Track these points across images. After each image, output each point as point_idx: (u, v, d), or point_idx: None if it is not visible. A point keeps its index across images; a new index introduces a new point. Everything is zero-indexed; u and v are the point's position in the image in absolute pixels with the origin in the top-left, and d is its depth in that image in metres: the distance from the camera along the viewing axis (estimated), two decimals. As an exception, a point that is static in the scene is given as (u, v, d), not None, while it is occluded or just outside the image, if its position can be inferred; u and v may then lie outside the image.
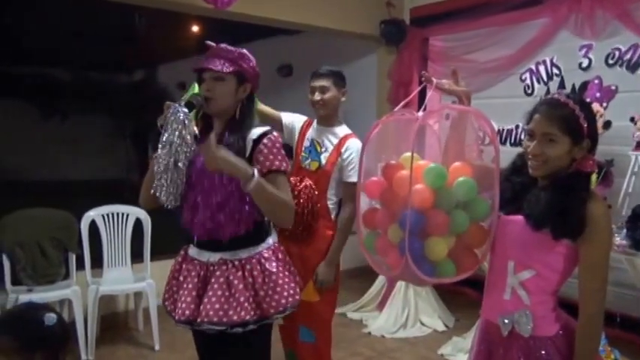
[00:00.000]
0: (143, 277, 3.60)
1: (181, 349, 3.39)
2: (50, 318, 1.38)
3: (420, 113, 1.44)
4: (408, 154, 1.41)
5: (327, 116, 2.48)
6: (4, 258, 3.27)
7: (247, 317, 1.70)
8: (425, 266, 1.38)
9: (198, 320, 1.71)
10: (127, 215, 3.66)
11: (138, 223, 3.66)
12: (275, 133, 1.79)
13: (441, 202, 1.39)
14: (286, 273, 1.82)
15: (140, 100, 10.08)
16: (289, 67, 6.99)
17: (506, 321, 1.45)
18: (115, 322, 3.86)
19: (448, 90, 1.59)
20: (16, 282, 3.33)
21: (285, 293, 1.77)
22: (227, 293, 1.71)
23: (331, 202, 2.46)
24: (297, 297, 1.82)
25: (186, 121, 1.65)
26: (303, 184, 2.36)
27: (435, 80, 1.58)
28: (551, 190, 1.40)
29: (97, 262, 3.58)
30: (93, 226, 3.57)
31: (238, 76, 1.77)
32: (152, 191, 1.71)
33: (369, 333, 3.82)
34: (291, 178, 2.34)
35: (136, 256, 3.70)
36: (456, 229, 1.40)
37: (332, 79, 2.45)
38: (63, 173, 10.60)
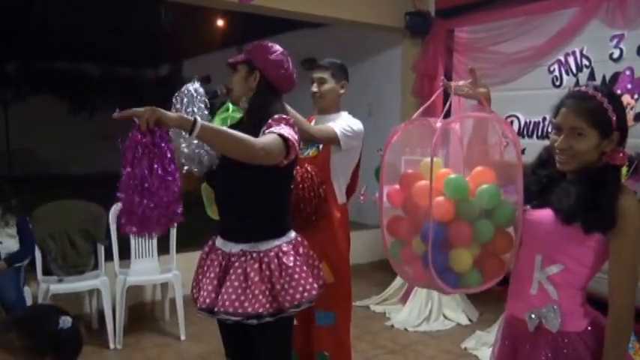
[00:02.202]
0: (169, 269, 3.67)
1: (206, 339, 3.44)
2: (66, 321, 1.30)
3: (439, 124, 1.40)
4: (428, 159, 1.38)
5: (325, 108, 2.47)
6: (36, 249, 3.37)
7: (261, 310, 1.69)
8: (450, 278, 1.37)
9: (216, 309, 1.73)
10: (154, 208, 3.72)
11: (164, 216, 3.72)
12: (292, 119, 1.80)
13: (463, 213, 1.37)
14: (304, 268, 1.80)
15: (166, 94, 10.20)
16: (313, 61, 6.98)
17: (533, 316, 1.42)
18: (142, 312, 3.95)
19: (467, 95, 1.56)
20: (46, 272, 3.44)
21: (301, 288, 1.76)
22: (243, 285, 1.72)
23: (337, 187, 2.43)
24: (314, 292, 1.79)
25: (195, 95, 1.72)
26: (303, 169, 2.32)
27: (453, 85, 1.55)
28: (581, 184, 1.37)
29: (125, 254, 3.66)
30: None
31: (249, 65, 1.82)
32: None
33: (392, 326, 3.82)
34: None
35: (162, 248, 3.77)
36: (481, 239, 1.37)
37: (330, 71, 2.43)
38: (92, 166, 10.82)
